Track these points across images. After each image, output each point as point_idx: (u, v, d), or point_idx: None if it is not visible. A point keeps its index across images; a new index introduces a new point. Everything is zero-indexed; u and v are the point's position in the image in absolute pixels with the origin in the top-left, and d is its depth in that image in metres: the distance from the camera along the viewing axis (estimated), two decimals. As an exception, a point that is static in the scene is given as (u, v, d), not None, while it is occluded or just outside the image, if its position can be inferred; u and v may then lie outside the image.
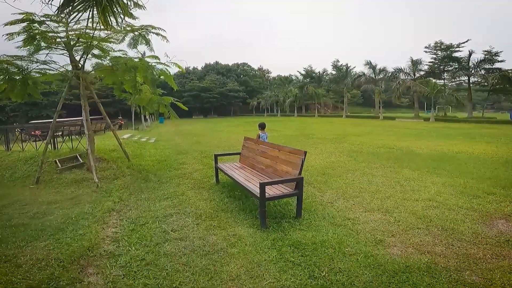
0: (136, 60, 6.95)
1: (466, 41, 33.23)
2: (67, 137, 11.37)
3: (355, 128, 20.21)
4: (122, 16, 5.00)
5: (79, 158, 7.02)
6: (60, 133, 12.07)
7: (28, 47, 6.23)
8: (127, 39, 7.07)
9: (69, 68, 6.75)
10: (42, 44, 6.30)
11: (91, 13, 3.36)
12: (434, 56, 35.97)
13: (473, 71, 31.57)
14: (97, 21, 4.03)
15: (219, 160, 5.79)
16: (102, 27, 6.50)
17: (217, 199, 4.72)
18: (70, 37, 6.33)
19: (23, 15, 5.73)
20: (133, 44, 7.10)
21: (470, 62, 31.44)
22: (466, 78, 33.04)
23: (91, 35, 6.21)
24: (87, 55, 6.55)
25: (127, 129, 25.55)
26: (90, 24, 6.23)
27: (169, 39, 7.11)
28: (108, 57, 7.15)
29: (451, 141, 11.99)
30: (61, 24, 6.17)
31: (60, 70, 6.68)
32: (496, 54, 30.30)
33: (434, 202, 4.43)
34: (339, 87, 46.64)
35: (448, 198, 4.61)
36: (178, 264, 2.85)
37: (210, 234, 3.47)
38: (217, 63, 74.55)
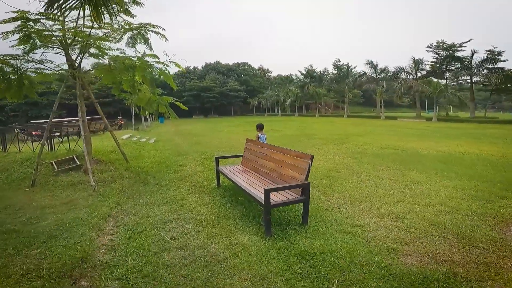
0: (134, 59, 6.74)
1: (469, 41, 33.06)
2: (65, 137, 11.17)
3: (357, 128, 20.00)
4: (116, 11, 4.81)
5: (76, 160, 6.82)
6: (57, 133, 11.87)
7: (22, 46, 6.05)
8: (126, 37, 6.88)
9: (65, 67, 6.54)
10: (38, 43, 6.11)
11: (82, 8, 3.16)
12: (436, 55, 35.76)
13: (475, 71, 31.33)
14: (91, 18, 3.82)
15: (220, 163, 5.57)
16: (104, 25, 6.41)
17: (219, 204, 4.51)
18: (67, 35, 6.14)
19: (17, 13, 5.53)
20: (132, 43, 6.89)
21: (472, 62, 31.20)
22: (468, 77, 32.82)
23: (87, 33, 6.02)
24: (83, 54, 6.34)
25: (127, 129, 25.35)
26: (85, 22, 6.07)
27: (168, 38, 6.91)
28: (106, 56, 6.96)
29: (456, 141, 11.77)
30: (57, 22, 5.97)
31: (55, 70, 6.47)
32: (499, 53, 30.09)
33: (447, 207, 4.23)
34: (340, 86, 46.43)
35: (461, 203, 4.41)
36: (178, 277, 2.65)
37: (212, 243, 3.27)
38: (217, 62, 74.32)
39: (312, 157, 3.58)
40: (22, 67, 6.40)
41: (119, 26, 6.34)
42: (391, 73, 36.95)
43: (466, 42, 33.20)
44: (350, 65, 45.74)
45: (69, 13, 4.00)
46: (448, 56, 34.03)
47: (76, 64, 6.34)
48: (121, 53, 7.07)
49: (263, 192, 3.65)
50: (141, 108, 8.81)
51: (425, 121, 28.01)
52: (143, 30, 6.71)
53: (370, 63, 38.20)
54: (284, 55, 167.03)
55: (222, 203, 4.52)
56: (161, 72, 7.19)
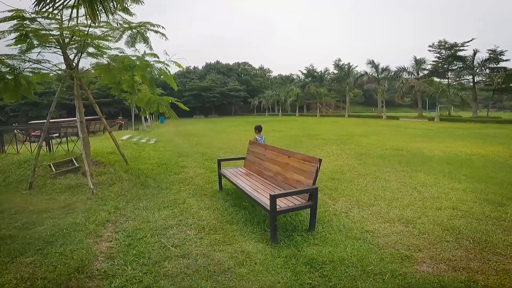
0: (134, 58, 6.59)
1: (471, 40, 32.88)
2: (64, 138, 11.02)
3: (359, 128, 19.82)
4: (113, 8, 4.65)
5: (75, 162, 6.67)
6: (56, 134, 11.71)
7: (19, 45, 5.89)
8: (125, 37, 6.72)
9: (63, 67, 6.39)
10: (35, 42, 5.95)
11: (76, 6, 3.00)
12: (438, 55, 35.55)
13: (477, 70, 31.13)
14: (86, 16, 3.66)
15: (222, 165, 5.40)
16: (102, 23, 6.26)
17: (221, 208, 4.35)
18: (64, 34, 5.99)
19: (13, 12, 5.37)
20: (131, 42, 6.73)
21: (474, 61, 30.99)
22: (470, 77, 32.62)
23: (85, 32, 5.86)
24: (81, 54, 6.18)
25: (127, 130, 25.21)
26: (82, 20, 5.92)
27: (168, 38, 6.75)
28: (105, 56, 6.80)
29: (461, 142, 11.60)
30: (53, 21, 5.81)
31: (52, 69, 6.31)
32: (501, 53, 29.88)
33: (459, 211, 4.07)
34: (341, 86, 46.24)
35: (473, 206, 4.25)
36: (180, 288, 2.50)
37: (215, 251, 3.11)
38: (217, 62, 74.19)
39: (320, 160, 3.42)
40: (19, 67, 6.25)
41: (117, 24, 6.18)
42: (393, 73, 36.75)
43: (468, 42, 33.04)
44: (351, 64, 45.63)
45: (62, 9, 3.83)
46: (450, 55, 33.82)
47: (74, 64, 6.19)
48: (120, 52, 6.92)
49: (268, 197, 3.50)
50: (141, 108, 8.65)
51: (427, 121, 27.81)
52: (142, 29, 6.55)
53: (372, 63, 38.04)
54: (284, 55, 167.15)
55: (224, 208, 4.35)
56: (162, 72, 7.03)
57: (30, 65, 6.37)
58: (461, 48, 33.53)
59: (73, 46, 6.27)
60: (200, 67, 73.23)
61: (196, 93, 58.81)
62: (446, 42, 34.52)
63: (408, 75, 35.48)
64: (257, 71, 78.44)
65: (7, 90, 6.51)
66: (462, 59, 32.38)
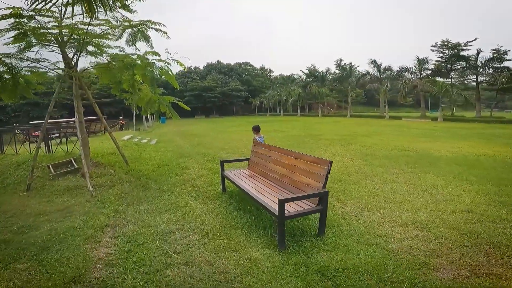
0: (134, 57, 6.42)
1: (474, 40, 32.61)
2: (64, 139, 10.87)
3: (362, 128, 19.62)
4: (111, 4, 4.50)
5: (74, 163, 6.50)
6: (56, 135, 11.56)
7: (17, 44, 5.74)
8: (125, 35, 6.57)
9: (62, 66, 6.23)
10: (33, 41, 5.80)
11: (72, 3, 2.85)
12: (441, 54, 35.27)
13: (481, 70, 30.86)
14: (83, 12, 3.50)
15: (225, 166, 5.23)
16: (101, 21, 6.10)
17: (225, 211, 4.17)
18: (64, 32, 5.83)
19: (11, 10, 5.21)
20: (132, 41, 6.58)
21: (478, 61, 30.73)
22: (473, 77, 32.35)
23: (85, 30, 5.70)
24: (80, 52, 6.02)
25: (128, 130, 25.07)
26: (82, 19, 5.77)
27: (169, 37, 6.58)
28: (105, 55, 6.64)
29: (467, 142, 11.39)
30: (52, 19, 5.66)
31: (51, 68, 6.16)
32: (505, 52, 29.62)
33: (474, 214, 3.88)
34: (343, 86, 45.99)
35: (488, 209, 4.06)
36: (183, 300, 2.33)
37: (220, 258, 2.93)
38: (219, 62, 74.04)
39: (331, 163, 3.24)
40: (17, 66, 6.10)
41: (117, 22, 6.01)
42: (395, 73, 36.48)
43: (471, 41, 32.79)
44: (353, 64, 45.38)
45: (54, 4, 3.67)
46: (453, 55, 33.55)
47: (73, 63, 6.02)
48: (121, 51, 6.76)
49: (275, 201, 3.33)
50: (141, 108, 8.49)
51: (430, 121, 27.57)
52: (143, 27, 6.39)
53: (374, 62, 37.72)
54: (284, 55, 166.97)
55: (228, 211, 4.18)
56: (163, 71, 6.86)
57: (29, 64, 6.22)
58: (464, 48, 33.27)
59: (72, 44, 6.10)
60: (201, 67, 73.16)
61: (197, 93, 58.67)
62: (449, 42, 34.26)
63: (411, 74, 35.20)
64: (258, 71, 78.29)
65: (5, 90, 6.36)
66: (465, 58, 32.11)
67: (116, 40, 6.51)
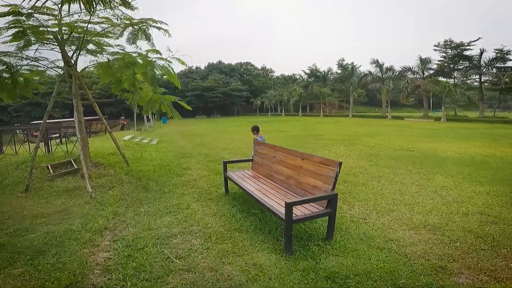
0: (135, 55, 6.29)
1: (477, 40, 32.33)
2: (64, 139, 10.76)
3: (364, 128, 19.44)
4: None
5: (73, 164, 6.38)
6: (56, 135, 11.45)
7: (16, 42, 5.62)
8: (126, 33, 6.43)
9: (61, 65, 6.11)
10: (32, 39, 5.68)
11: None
12: (444, 54, 35.02)
13: (484, 70, 30.60)
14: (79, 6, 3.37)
15: (227, 167, 5.07)
16: (102, 19, 5.98)
17: (228, 214, 4.02)
18: (63, 31, 5.70)
19: (10, 7, 5.08)
20: (132, 39, 6.45)
21: (481, 61, 30.46)
22: (476, 77, 32.08)
23: (84, 28, 5.57)
24: (79, 51, 5.90)
25: (129, 130, 24.97)
26: (82, 16, 5.64)
27: (170, 36, 6.44)
28: (105, 53, 6.51)
29: (472, 142, 11.20)
30: (51, 17, 5.53)
31: (49, 67, 6.03)
32: (508, 52, 29.33)
33: (488, 217, 3.73)
34: (345, 86, 45.76)
35: (501, 211, 3.91)
36: (185, 310, 2.18)
37: (224, 263, 2.79)
38: (220, 62, 73.89)
39: (340, 164, 3.08)
40: (16, 65, 5.98)
41: (118, 19, 5.88)
42: (397, 73, 36.26)
43: (474, 41, 32.51)
44: (354, 64, 45.15)
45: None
46: (456, 55, 33.27)
47: (72, 61, 5.90)
48: (121, 50, 6.64)
49: (281, 204, 3.19)
50: (142, 107, 8.37)
51: (433, 121, 27.34)
52: (144, 25, 6.26)
53: (376, 62, 37.53)
54: (284, 55, 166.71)
55: (232, 214, 4.03)
56: (165, 69, 6.73)
57: (28, 63, 6.10)
58: (467, 47, 33.02)
59: (72, 41, 5.97)
60: (202, 67, 72.98)
61: (198, 93, 58.52)
62: (452, 42, 34.00)
63: (413, 74, 34.95)
64: (260, 71, 78.10)
65: (4, 89, 6.25)
66: (468, 58, 31.84)
67: (117, 38, 6.39)
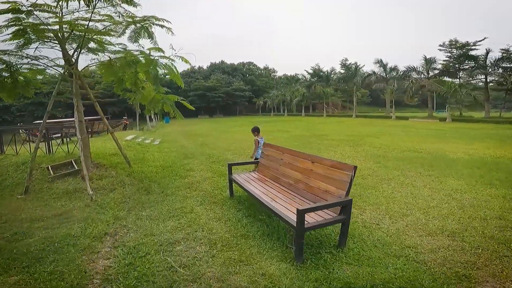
0: (137, 53, 6.14)
1: (483, 39, 31.90)
2: (65, 139, 10.63)
3: (368, 129, 19.20)
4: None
5: (74, 165, 6.23)
6: (58, 135, 11.33)
7: (16, 40, 5.49)
8: (128, 31, 6.29)
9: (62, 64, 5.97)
10: (32, 37, 5.54)
11: None
12: (449, 54, 34.61)
13: (490, 70, 30.19)
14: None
15: (232, 169, 4.89)
16: (103, 17, 5.83)
17: (234, 219, 3.84)
18: (64, 28, 5.56)
19: (9, 5, 4.94)
20: (135, 38, 6.30)
21: (487, 61, 30.05)
22: (482, 77, 31.67)
23: (85, 26, 5.42)
24: (80, 49, 5.75)
25: (132, 130, 24.88)
26: (82, 14, 5.50)
27: (172, 35, 6.29)
28: (106, 52, 6.37)
29: (480, 143, 10.95)
30: (52, 15, 5.39)
31: (49, 65, 5.89)
32: (513, 52, 28.91)
33: (508, 222, 3.55)
34: (348, 86, 45.44)
35: (521, 217, 3.70)
36: (190, 326, 2.01)
37: (231, 273, 2.61)
38: (222, 62, 73.78)
39: (355, 168, 2.90)
40: (16, 64, 5.84)
41: (119, 17, 5.73)
42: (401, 72, 35.91)
43: (480, 41, 32.09)
44: (358, 64, 44.83)
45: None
46: (462, 55, 32.86)
47: (73, 60, 5.75)
48: (123, 48, 6.49)
49: (289, 209, 3.01)
50: (144, 107, 8.21)
51: (438, 121, 27.02)
52: (147, 23, 6.11)
53: (380, 62, 37.17)
54: (285, 54, 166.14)
55: (237, 218, 3.85)
56: (168, 67, 6.57)
57: (28, 62, 5.97)
58: (473, 47, 32.61)
59: (72, 39, 5.83)
60: (205, 67, 72.88)
61: (201, 93, 58.42)
62: (457, 42, 33.61)
63: (418, 74, 34.60)
64: (262, 71, 77.89)
65: (4, 89, 6.12)
66: (474, 58, 31.43)
67: (119, 36, 6.25)
